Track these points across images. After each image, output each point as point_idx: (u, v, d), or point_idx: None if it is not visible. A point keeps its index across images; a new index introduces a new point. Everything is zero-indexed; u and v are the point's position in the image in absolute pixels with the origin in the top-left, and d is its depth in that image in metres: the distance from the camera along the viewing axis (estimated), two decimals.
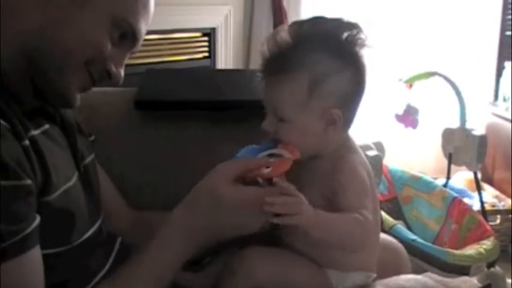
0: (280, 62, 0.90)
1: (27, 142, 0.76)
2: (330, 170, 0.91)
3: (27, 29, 0.80)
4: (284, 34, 0.91)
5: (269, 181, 0.86)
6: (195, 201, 0.85)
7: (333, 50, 0.90)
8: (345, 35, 0.90)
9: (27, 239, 0.72)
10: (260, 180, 0.86)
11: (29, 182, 0.73)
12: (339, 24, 0.91)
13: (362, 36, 0.91)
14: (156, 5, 0.89)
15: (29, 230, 0.72)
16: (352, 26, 0.91)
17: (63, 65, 0.82)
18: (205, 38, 2.71)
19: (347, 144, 0.95)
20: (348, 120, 0.94)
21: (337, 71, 0.89)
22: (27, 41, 0.80)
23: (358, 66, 0.92)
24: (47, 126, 0.86)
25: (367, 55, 0.93)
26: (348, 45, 0.91)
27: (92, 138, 1.07)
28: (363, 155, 0.96)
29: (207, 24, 2.68)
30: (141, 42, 0.88)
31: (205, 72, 2.16)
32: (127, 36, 0.85)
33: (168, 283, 0.87)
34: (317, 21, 0.92)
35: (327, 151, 0.94)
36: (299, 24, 0.92)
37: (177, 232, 0.85)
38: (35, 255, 0.74)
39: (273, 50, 0.92)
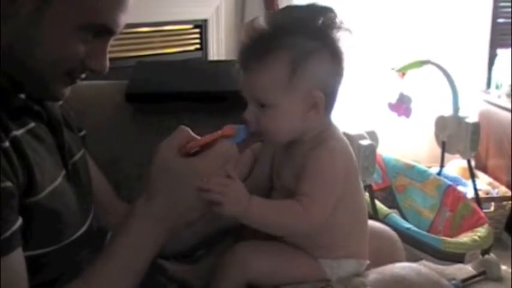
0: (259, 46, 0.90)
1: (7, 144, 0.75)
2: (306, 154, 0.91)
3: None
4: (261, 22, 0.92)
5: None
6: (151, 184, 0.84)
7: (310, 33, 0.90)
8: (321, 19, 0.91)
9: (8, 241, 0.71)
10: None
11: (8, 184, 0.72)
12: (314, 9, 0.92)
13: (338, 20, 0.91)
14: None
15: (8, 232, 0.71)
16: (328, 10, 0.91)
17: (41, 79, 0.81)
18: (197, 30, 2.69)
19: (330, 131, 0.95)
20: (328, 105, 0.93)
21: (315, 51, 0.90)
22: (1, 59, 0.78)
23: (335, 49, 0.92)
24: (32, 124, 0.84)
25: (352, 42, 0.93)
26: (325, 28, 0.91)
27: (82, 133, 1.06)
28: (348, 143, 0.96)
29: (199, 16, 2.67)
30: (120, 30, 0.84)
31: (196, 64, 2.15)
32: (103, 33, 0.83)
33: (143, 272, 0.85)
34: (292, 8, 0.94)
35: (307, 136, 0.93)
36: (274, 12, 0.93)
37: (143, 220, 0.83)
38: (17, 257, 0.73)
39: (251, 36, 0.92)
